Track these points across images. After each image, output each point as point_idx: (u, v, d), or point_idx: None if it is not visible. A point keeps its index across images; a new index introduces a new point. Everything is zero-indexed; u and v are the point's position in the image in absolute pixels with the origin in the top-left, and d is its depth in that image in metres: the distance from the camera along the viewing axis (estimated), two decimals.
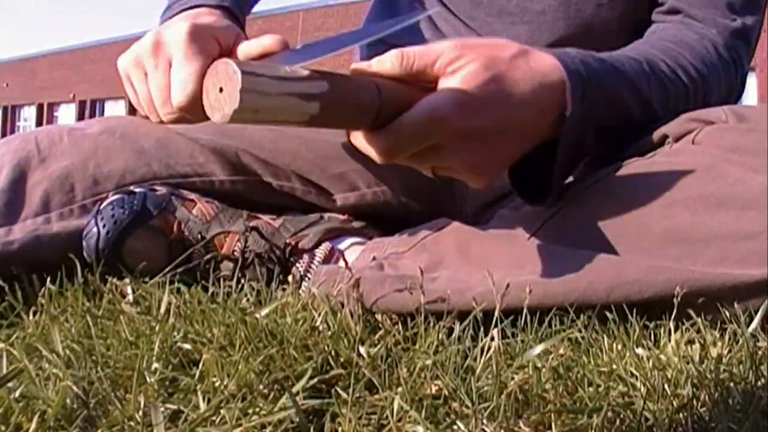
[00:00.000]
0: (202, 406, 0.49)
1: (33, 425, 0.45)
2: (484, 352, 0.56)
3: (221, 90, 0.54)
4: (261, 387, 0.52)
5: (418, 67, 0.63)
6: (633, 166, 0.71)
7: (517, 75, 0.65)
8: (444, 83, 0.63)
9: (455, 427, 0.47)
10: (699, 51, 0.81)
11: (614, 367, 0.55)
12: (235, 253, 0.80)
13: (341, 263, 0.76)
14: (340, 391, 0.52)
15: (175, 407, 0.49)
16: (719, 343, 0.59)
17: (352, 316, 0.64)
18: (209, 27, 0.75)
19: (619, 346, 0.59)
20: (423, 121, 0.61)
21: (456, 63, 0.63)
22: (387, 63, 0.63)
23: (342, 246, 0.82)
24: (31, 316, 0.67)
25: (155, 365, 0.54)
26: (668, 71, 0.77)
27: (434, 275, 0.69)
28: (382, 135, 0.62)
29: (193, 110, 0.71)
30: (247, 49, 0.75)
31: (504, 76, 0.64)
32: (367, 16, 1.07)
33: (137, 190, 0.82)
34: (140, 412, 0.47)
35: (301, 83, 0.56)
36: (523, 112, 0.66)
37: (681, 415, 0.48)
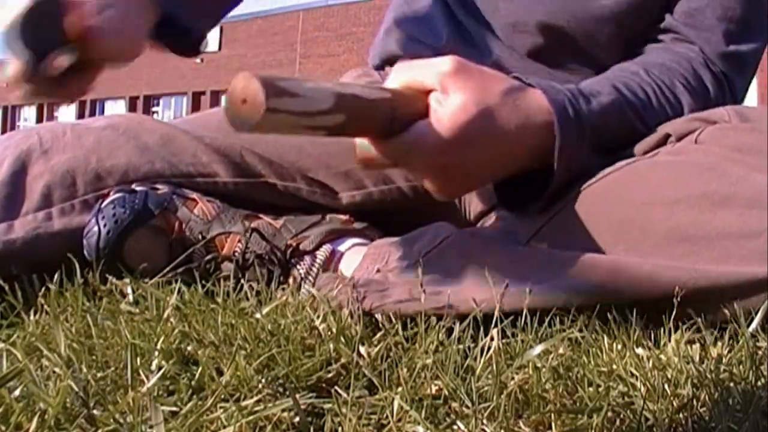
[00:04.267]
0: (202, 405, 0.49)
1: (33, 425, 0.45)
2: (484, 352, 0.56)
3: (244, 101, 0.55)
4: (261, 386, 0.52)
5: (417, 84, 0.67)
6: (635, 165, 0.71)
7: (504, 112, 0.67)
8: (434, 105, 0.66)
9: (455, 427, 0.47)
10: (675, 71, 0.80)
11: (614, 367, 0.55)
12: (236, 254, 0.80)
13: (341, 271, 0.76)
14: (340, 391, 0.52)
15: (175, 407, 0.49)
16: (719, 343, 0.59)
17: (351, 316, 0.64)
18: None
19: (619, 346, 0.59)
20: (407, 146, 0.65)
21: (449, 89, 0.66)
22: (392, 82, 0.68)
23: (343, 247, 0.82)
24: (31, 316, 0.67)
25: (155, 365, 0.54)
26: (646, 97, 0.78)
27: (439, 289, 0.69)
28: (386, 144, 0.65)
29: None
30: None
31: (492, 112, 0.66)
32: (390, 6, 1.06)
33: (138, 188, 0.82)
34: (140, 412, 0.46)
35: (318, 118, 0.59)
36: (504, 150, 0.68)
37: (681, 415, 0.48)
